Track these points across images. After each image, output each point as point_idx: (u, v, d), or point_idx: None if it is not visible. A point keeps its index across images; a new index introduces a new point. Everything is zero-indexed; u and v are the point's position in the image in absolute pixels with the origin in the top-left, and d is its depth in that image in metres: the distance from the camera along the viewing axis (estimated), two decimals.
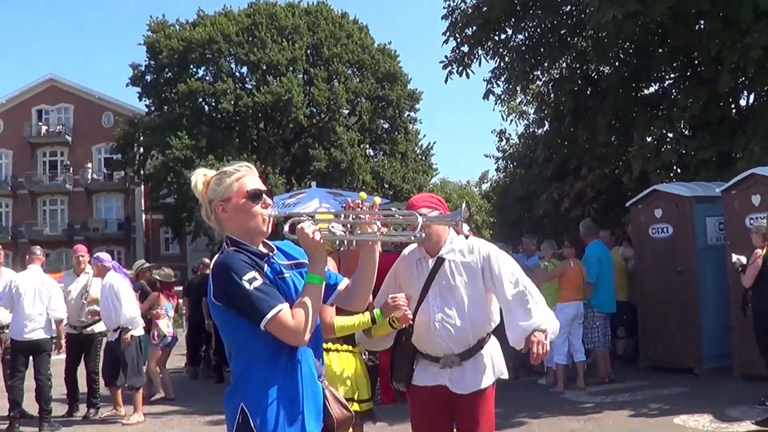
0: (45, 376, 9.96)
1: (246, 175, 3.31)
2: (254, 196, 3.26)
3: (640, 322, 12.51)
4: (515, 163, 25.02)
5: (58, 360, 10.80)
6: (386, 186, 43.25)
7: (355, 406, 4.94)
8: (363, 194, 3.55)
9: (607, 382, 11.39)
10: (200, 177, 3.35)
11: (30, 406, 10.32)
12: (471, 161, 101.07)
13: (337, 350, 5.02)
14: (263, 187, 3.32)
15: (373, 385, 5.99)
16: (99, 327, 10.76)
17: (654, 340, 12.22)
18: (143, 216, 55.33)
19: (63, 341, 10.37)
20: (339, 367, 5.00)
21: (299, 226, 3.15)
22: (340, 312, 4.54)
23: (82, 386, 11.05)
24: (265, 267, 3.22)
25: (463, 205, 3.19)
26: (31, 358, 10.05)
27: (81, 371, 11.07)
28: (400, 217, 3.15)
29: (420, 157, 46.80)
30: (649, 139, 15.22)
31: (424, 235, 3.10)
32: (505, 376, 4.82)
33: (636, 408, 9.66)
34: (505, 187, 25.88)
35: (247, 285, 3.05)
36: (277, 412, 3.12)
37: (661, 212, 12.17)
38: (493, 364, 4.69)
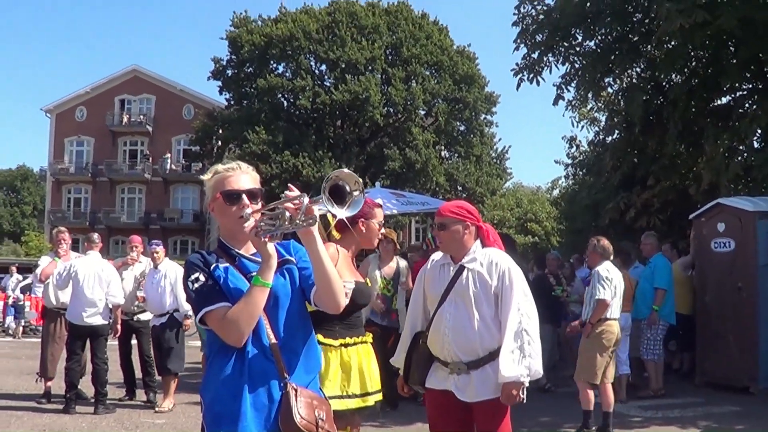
0: (101, 359, 10.26)
1: (230, 176, 3.29)
2: (227, 196, 3.24)
3: (697, 336, 12.31)
4: (584, 171, 24.87)
5: (114, 345, 11.08)
6: (459, 188, 43.11)
7: (365, 401, 4.95)
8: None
9: (660, 396, 11.24)
10: (207, 176, 3.39)
11: (88, 388, 10.59)
12: (545, 167, 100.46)
13: (354, 344, 5.01)
14: (244, 187, 3.25)
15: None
16: (148, 315, 11.00)
17: (711, 355, 12.01)
18: None
19: (119, 326, 10.62)
20: (357, 360, 5.00)
21: (245, 224, 3.15)
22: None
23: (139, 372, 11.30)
24: (218, 267, 3.21)
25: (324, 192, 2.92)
26: (88, 341, 10.31)
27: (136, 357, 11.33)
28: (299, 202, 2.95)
29: (495, 160, 46.50)
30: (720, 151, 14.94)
31: (309, 221, 2.96)
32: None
33: (685, 425, 9.48)
34: (573, 195, 25.71)
35: (190, 285, 3.16)
36: (217, 406, 3.15)
37: (723, 226, 11.98)
38: None
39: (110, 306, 10.38)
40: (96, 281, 10.23)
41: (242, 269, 3.25)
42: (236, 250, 3.30)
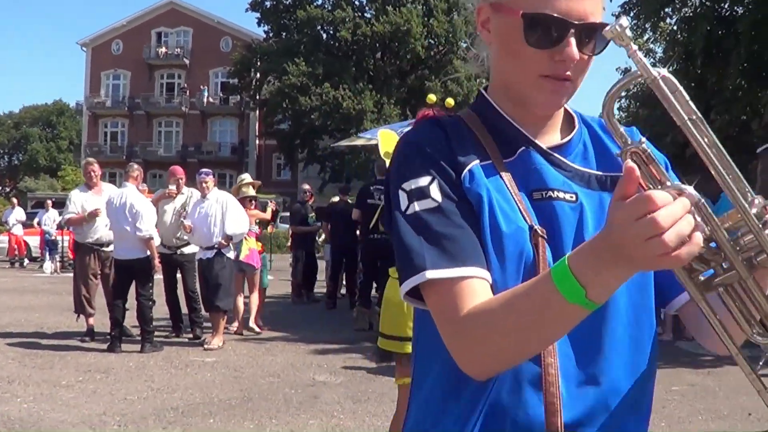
0: (144, 296, 9.87)
1: None
2: (535, 23, 1.35)
3: None
4: (639, 103, 24.36)
5: (160, 280, 10.70)
6: None
7: None
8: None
9: None
10: None
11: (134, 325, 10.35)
12: (594, 98, 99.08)
13: None
14: (575, 15, 1.33)
15: None
16: (192, 248, 10.64)
17: None
18: (257, 141, 56.26)
19: (157, 261, 10.12)
20: None
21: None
22: None
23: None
24: (478, 171, 1.39)
25: None
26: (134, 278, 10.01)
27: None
28: None
29: None
30: None
31: None
32: None
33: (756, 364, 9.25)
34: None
35: (404, 200, 1.38)
36: None
37: None
38: None
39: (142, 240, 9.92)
40: (124, 215, 9.71)
41: (524, 176, 1.44)
42: (522, 129, 1.48)
